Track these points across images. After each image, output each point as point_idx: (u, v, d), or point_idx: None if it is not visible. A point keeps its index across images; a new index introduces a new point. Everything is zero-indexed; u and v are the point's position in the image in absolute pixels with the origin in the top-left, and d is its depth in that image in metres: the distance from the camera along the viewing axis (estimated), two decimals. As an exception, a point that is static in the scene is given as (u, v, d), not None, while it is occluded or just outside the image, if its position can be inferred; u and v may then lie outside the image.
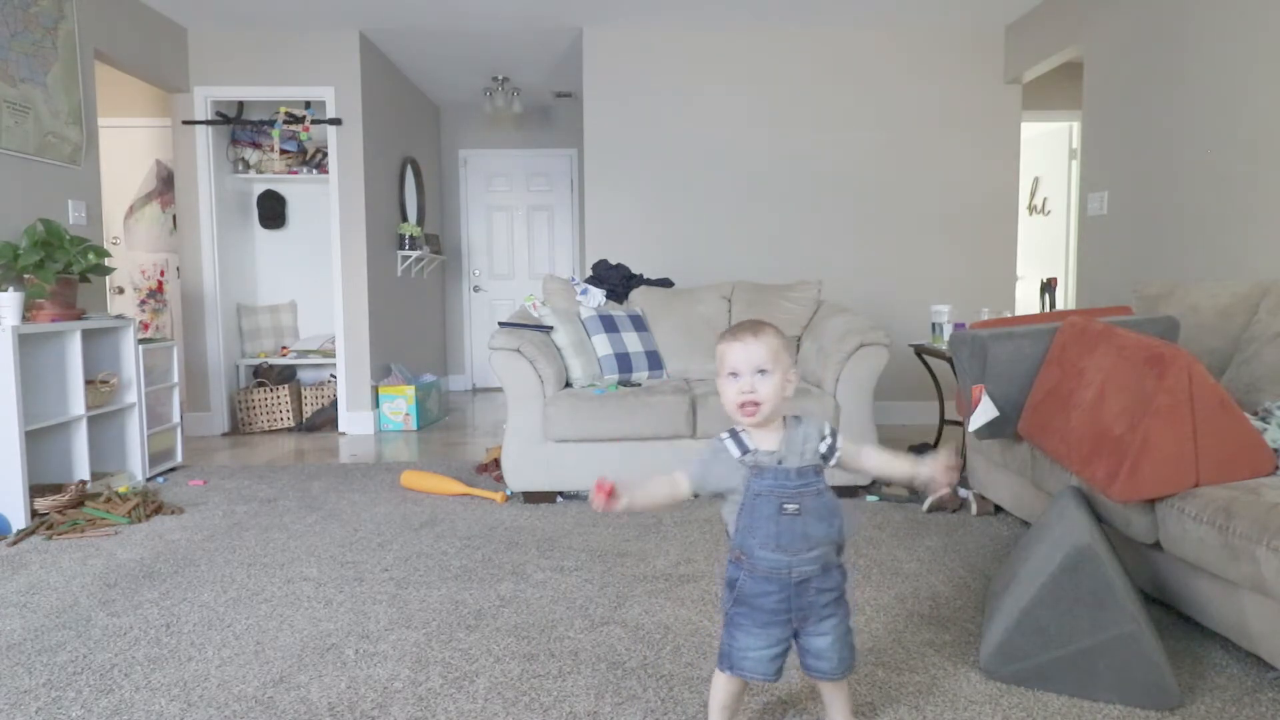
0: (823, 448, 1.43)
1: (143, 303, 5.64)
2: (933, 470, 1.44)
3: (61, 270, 3.20)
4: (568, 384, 3.47)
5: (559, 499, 3.29)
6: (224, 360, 4.95)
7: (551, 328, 3.50)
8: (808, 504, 1.39)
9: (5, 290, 2.98)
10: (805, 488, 1.40)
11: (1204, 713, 1.61)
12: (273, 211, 5.31)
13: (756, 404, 1.39)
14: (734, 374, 1.40)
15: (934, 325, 3.78)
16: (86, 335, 3.44)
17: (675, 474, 1.46)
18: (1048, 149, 5.74)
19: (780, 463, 1.40)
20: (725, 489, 1.44)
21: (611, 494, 1.39)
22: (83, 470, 3.32)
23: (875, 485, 3.40)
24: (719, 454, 1.43)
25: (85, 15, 3.81)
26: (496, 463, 3.71)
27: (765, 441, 1.42)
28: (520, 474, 3.22)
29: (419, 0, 4.39)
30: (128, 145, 5.53)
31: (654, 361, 3.71)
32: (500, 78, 5.93)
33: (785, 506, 1.38)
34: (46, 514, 2.98)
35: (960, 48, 4.91)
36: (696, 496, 1.48)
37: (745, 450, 1.42)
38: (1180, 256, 3.43)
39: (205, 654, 1.91)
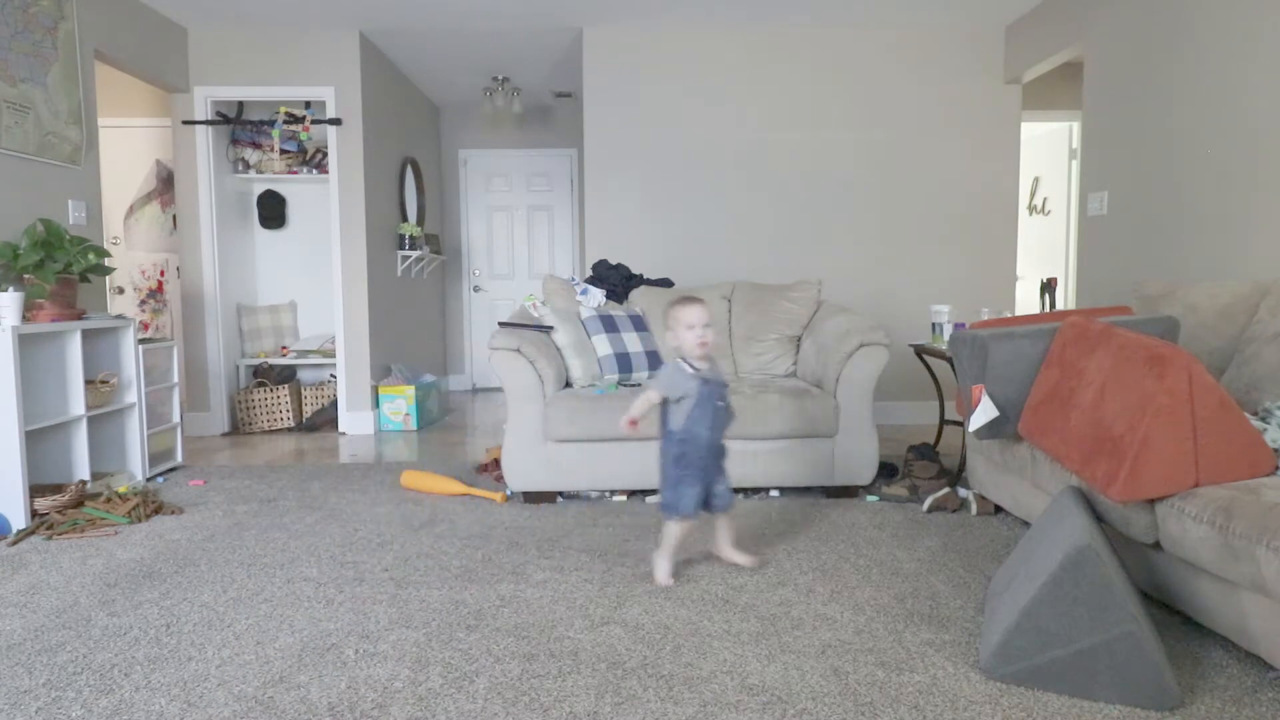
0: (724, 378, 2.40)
1: (143, 303, 5.64)
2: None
3: (61, 270, 3.20)
4: (568, 384, 3.47)
5: (559, 499, 3.29)
6: (224, 360, 4.95)
7: (551, 328, 3.50)
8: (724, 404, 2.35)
9: (5, 290, 2.98)
10: (724, 393, 2.35)
11: (1204, 713, 1.62)
12: (273, 211, 5.31)
13: (707, 344, 2.28)
14: (691, 327, 2.26)
15: (934, 325, 3.78)
16: (86, 335, 3.45)
17: (648, 392, 2.31)
18: (1048, 149, 5.74)
19: (706, 381, 2.29)
20: (683, 394, 2.27)
21: (634, 423, 2.31)
22: (83, 470, 3.32)
23: (875, 485, 3.40)
24: (679, 372, 2.29)
25: (85, 15, 3.81)
26: (496, 463, 3.71)
27: (701, 367, 2.31)
28: (520, 474, 3.22)
29: (419, 0, 4.39)
30: (128, 145, 5.53)
31: (654, 361, 3.70)
32: (500, 78, 5.93)
33: (718, 403, 2.31)
34: (46, 514, 2.98)
35: (960, 48, 4.91)
36: (665, 401, 2.30)
37: (695, 370, 2.29)
38: (1180, 256, 3.43)
39: (205, 654, 1.91)
